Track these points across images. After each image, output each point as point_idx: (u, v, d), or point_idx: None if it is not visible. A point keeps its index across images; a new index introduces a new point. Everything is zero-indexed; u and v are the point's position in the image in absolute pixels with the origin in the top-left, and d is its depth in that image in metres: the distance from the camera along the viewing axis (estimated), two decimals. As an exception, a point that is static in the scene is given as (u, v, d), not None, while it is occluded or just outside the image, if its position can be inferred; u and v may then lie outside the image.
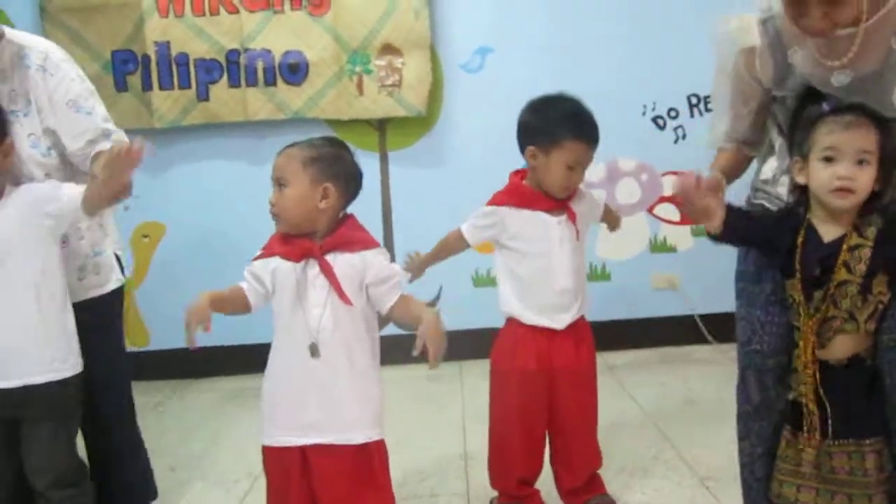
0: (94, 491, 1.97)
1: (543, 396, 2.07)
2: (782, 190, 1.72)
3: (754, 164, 1.87)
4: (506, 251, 2.08)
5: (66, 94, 1.91)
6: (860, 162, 1.50)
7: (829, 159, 1.52)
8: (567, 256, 2.03)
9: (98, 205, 1.80)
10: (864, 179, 1.50)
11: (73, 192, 1.81)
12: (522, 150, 2.05)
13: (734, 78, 1.73)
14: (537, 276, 2.03)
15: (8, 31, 1.89)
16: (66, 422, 1.89)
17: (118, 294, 2.13)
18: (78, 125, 1.92)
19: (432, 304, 3.69)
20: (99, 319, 2.05)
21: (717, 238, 1.63)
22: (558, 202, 2.04)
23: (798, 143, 1.59)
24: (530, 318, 2.04)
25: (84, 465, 1.95)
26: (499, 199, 2.07)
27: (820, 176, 1.53)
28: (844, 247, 1.54)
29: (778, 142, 1.75)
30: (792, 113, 1.65)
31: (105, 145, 1.91)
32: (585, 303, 2.11)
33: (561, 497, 2.19)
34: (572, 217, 2.05)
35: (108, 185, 1.71)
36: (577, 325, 2.09)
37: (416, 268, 2.20)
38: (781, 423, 1.70)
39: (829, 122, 1.53)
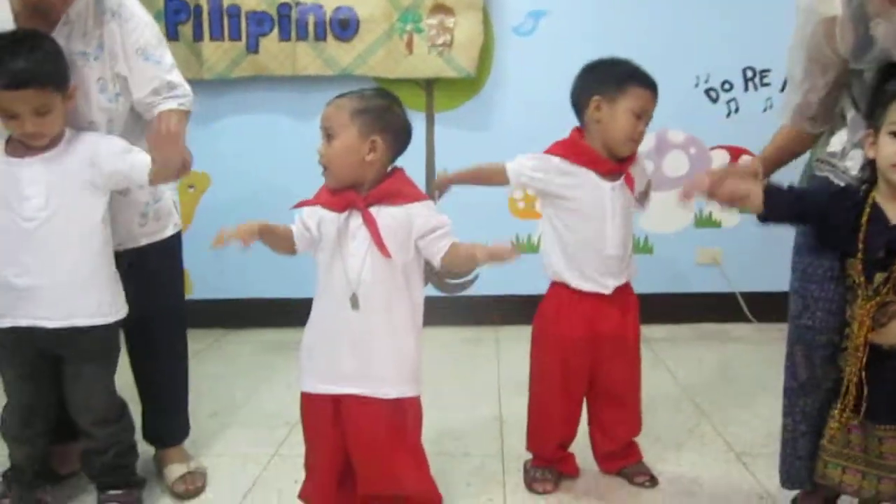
0: (133, 427, 2.02)
1: (586, 362, 2.05)
2: (850, 164, 1.67)
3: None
4: (554, 216, 2.02)
5: (137, 41, 1.91)
6: None
7: None
8: (619, 224, 1.99)
9: (162, 181, 1.88)
10: None
11: (142, 161, 1.84)
12: (579, 113, 2.00)
13: (812, 48, 1.67)
14: (587, 243, 1.99)
15: None
16: (107, 364, 1.94)
17: (177, 238, 2.17)
18: (144, 73, 1.93)
19: (467, 283, 3.68)
20: (159, 264, 2.10)
21: (763, 218, 1.62)
22: (615, 165, 1.98)
23: (875, 118, 1.54)
24: (577, 282, 2.01)
25: (124, 403, 1.99)
26: (554, 150, 2.00)
27: (886, 150, 1.49)
28: None
29: (850, 114, 1.70)
30: (871, 88, 1.59)
31: (170, 103, 1.94)
32: (633, 268, 2.08)
33: (596, 461, 2.19)
34: (630, 182, 1.99)
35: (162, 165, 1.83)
36: (624, 292, 2.06)
37: (442, 182, 2.09)
38: (827, 402, 1.68)
39: None
